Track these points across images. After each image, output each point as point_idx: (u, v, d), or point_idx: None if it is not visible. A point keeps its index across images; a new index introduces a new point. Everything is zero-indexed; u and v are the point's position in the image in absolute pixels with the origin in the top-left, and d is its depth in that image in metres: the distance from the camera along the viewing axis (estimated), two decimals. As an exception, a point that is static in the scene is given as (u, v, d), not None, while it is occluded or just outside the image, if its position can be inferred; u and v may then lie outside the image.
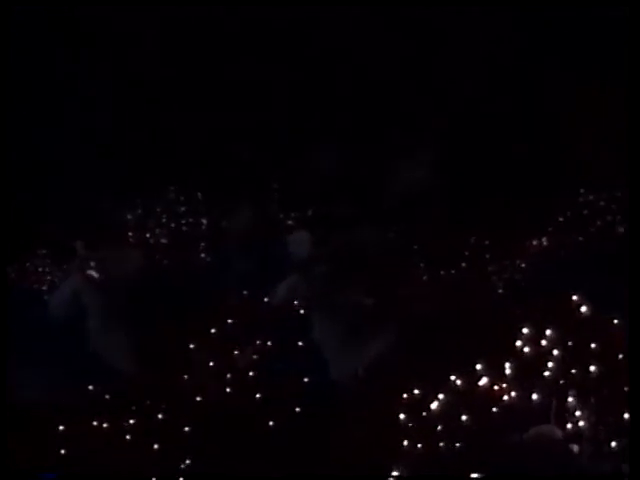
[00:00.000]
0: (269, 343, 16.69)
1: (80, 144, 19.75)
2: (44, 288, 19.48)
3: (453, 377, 14.28)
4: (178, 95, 19.96)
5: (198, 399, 15.56)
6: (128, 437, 14.61)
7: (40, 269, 19.55)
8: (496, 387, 14.04)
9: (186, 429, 14.88)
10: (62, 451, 14.22)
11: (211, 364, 16.38)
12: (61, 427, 14.61)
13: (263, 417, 14.98)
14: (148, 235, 20.84)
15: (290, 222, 20.39)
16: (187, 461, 14.17)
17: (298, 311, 17.52)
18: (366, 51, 19.70)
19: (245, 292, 18.32)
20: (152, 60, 19.78)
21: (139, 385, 15.70)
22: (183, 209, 21.23)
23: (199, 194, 21.21)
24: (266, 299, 18.00)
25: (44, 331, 17.45)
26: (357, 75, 19.98)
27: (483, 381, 14.00)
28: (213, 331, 17.01)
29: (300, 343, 16.37)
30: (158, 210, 21.15)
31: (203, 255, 20.41)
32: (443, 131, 19.45)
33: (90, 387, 15.55)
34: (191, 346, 16.64)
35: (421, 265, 18.56)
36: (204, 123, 20.17)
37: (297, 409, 14.94)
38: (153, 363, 16.25)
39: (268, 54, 19.88)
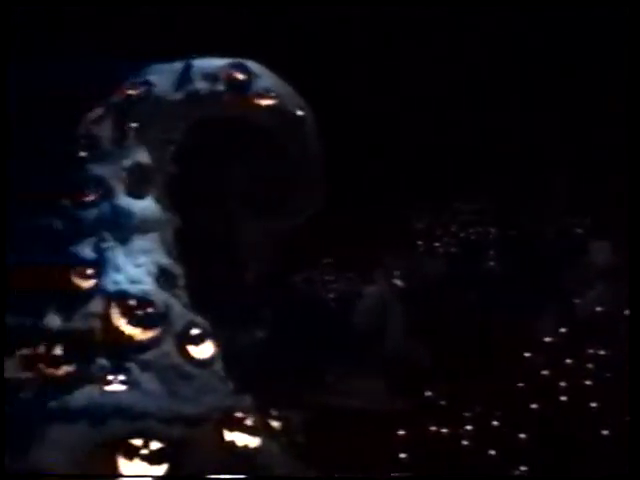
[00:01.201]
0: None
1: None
2: (331, 296, 19.81)
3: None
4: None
5: (533, 406, 15.59)
6: (465, 443, 14.74)
7: (326, 278, 19.90)
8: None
9: (521, 436, 14.87)
10: (401, 455, 14.52)
11: (544, 372, 16.44)
12: (401, 432, 14.90)
13: (594, 425, 14.93)
14: (438, 244, 21.11)
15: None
16: (522, 467, 14.15)
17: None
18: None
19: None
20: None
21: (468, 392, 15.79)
22: (471, 218, 21.37)
23: (487, 203, 21.26)
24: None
25: (353, 338, 18.31)
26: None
27: None
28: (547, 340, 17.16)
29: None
30: (446, 219, 21.38)
31: (492, 264, 20.61)
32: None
33: (427, 393, 15.83)
34: (526, 355, 16.73)
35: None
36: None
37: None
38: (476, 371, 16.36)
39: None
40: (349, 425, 14.81)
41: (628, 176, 11.97)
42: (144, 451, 12.07)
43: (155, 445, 12.12)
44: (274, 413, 13.42)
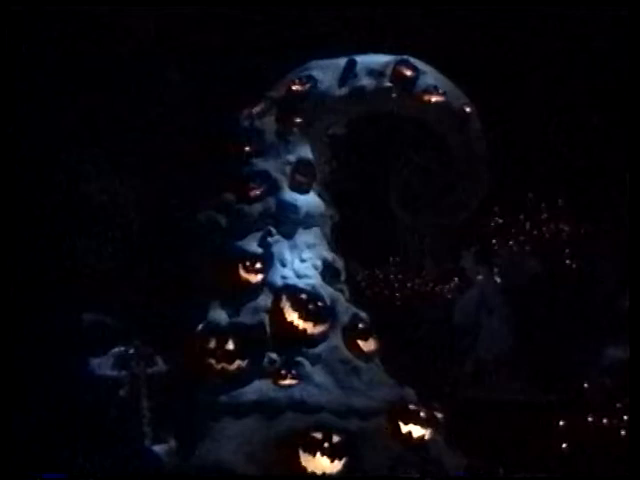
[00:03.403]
0: None
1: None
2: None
3: None
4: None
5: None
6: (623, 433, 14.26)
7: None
8: None
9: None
10: (563, 445, 14.31)
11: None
12: (561, 422, 14.72)
13: None
14: (511, 242, 21.11)
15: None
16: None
17: None
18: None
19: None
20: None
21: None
22: (544, 216, 21.33)
23: (560, 200, 21.24)
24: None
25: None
26: None
27: None
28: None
29: None
30: (521, 217, 21.39)
31: (568, 262, 20.59)
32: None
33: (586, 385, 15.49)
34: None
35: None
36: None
37: None
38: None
39: None
40: (507, 417, 14.90)
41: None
42: (325, 444, 12.13)
43: (335, 438, 12.18)
44: (436, 405, 13.41)
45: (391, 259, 19.40)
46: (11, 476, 12.42)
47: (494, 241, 20.72)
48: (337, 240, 14.03)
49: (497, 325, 19.40)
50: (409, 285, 19.29)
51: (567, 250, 20.67)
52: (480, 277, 20.60)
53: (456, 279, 20.94)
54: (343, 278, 13.87)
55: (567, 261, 20.46)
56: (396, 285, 19.37)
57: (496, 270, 20.42)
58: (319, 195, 13.92)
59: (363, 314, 13.56)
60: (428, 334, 18.30)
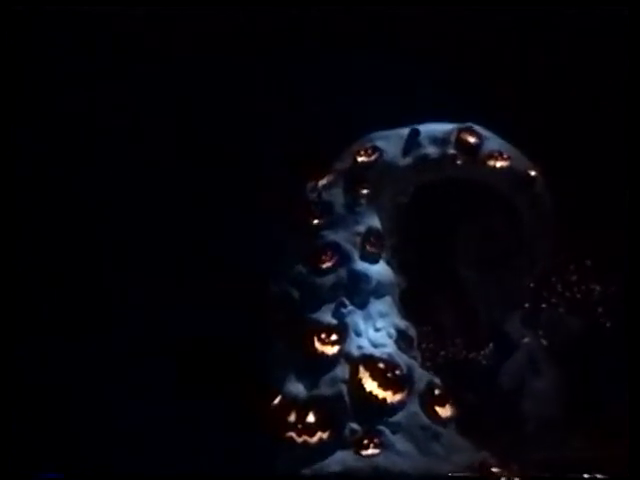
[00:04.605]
0: None
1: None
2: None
3: None
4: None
5: None
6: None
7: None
8: None
9: None
10: None
11: None
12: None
13: None
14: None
15: None
16: None
17: None
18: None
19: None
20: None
21: None
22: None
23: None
24: None
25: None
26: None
27: None
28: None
29: None
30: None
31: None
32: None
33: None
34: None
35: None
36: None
37: None
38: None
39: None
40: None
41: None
42: (418, 513, 12.23)
43: (423, 505, 12.28)
44: (514, 467, 13.48)
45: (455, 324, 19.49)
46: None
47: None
48: (406, 307, 14.12)
49: (546, 385, 19.41)
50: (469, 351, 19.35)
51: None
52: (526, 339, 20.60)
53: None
54: (416, 345, 13.97)
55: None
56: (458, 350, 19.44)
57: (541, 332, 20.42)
58: (388, 263, 14.06)
59: (437, 380, 13.65)
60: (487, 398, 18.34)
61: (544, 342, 19.61)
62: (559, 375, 19.10)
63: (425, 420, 13.24)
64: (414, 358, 13.78)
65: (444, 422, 13.38)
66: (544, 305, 19.90)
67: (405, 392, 13.23)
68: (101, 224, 15.06)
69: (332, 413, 13.13)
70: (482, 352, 17.43)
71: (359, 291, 13.72)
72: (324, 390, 13.25)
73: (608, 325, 20.03)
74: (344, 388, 13.20)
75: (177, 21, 15.38)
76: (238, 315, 15.26)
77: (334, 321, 13.59)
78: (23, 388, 13.85)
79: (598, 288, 20.54)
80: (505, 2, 17.50)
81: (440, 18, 17.03)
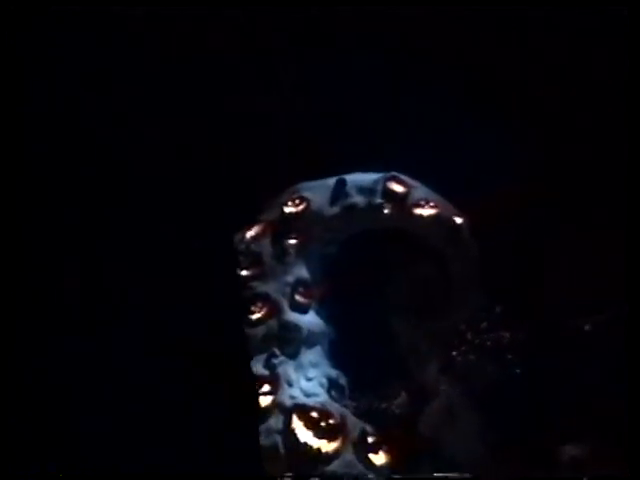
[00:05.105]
0: None
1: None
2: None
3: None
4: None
5: None
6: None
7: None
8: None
9: None
10: None
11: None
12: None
13: None
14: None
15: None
16: None
17: None
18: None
19: None
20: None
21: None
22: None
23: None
24: None
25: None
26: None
27: None
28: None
29: None
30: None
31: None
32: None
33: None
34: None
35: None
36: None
37: None
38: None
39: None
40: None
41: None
42: None
43: None
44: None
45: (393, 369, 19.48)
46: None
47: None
48: (336, 357, 14.18)
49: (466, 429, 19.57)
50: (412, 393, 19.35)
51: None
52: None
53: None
54: (347, 394, 14.00)
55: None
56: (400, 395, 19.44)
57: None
58: (317, 313, 14.13)
59: (369, 427, 13.68)
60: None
61: (461, 388, 19.81)
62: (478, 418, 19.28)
63: (360, 468, 13.24)
64: (346, 407, 13.80)
65: (379, 469, 13.38)
66: (455, 353, 20.15)
67: (339, 441, 13.22)
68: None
69: (266, 464, 13.04)
70: (395, 401, 17.56)
71: (290, 341, 13.74)
72: (261, 441, 13.18)
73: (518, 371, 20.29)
74: (279, 439, 13.16)
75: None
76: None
77: (266, 372, 13.56)
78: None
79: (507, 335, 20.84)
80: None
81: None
